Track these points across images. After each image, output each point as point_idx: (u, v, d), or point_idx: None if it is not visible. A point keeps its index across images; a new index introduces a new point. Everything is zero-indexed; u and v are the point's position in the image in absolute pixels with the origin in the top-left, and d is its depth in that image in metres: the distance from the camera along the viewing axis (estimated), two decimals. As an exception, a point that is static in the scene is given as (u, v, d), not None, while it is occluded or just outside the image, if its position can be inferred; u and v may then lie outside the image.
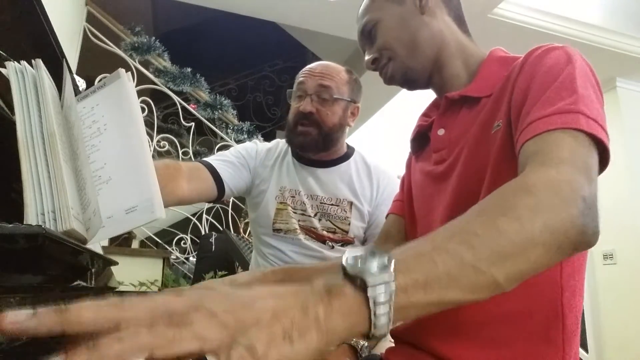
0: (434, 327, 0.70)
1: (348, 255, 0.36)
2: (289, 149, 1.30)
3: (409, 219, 0.88)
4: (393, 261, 0.36)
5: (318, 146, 1.21)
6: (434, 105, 0.89)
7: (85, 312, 0.27)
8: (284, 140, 1.34)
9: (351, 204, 1.23)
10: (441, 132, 0.80)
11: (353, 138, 4.14)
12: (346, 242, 1.23)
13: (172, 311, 0.29)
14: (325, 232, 1.23)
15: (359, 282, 0.34)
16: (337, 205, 1.23)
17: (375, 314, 0.34)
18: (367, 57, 0.84)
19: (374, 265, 0.35)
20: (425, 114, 0.89)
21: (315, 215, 1.23)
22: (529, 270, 0.42)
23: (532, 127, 0.55)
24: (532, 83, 0.62)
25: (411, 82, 0.83)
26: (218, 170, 1.17)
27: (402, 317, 0.37)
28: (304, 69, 1.25)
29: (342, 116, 1.22)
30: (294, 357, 0.31)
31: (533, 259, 0.41)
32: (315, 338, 0.32)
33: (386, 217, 0.97)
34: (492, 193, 0.46)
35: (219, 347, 0.28)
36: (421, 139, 0.87)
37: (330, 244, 1.23)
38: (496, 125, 0.68)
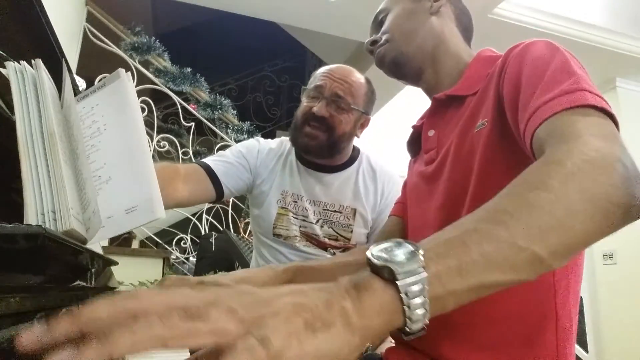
0: (430, 330, 0.70)
1: (372, 247, 0.34)
2: (293, 150, 1.26)
3: (406, 221, 0.88)
4: (421, 249, 0.34)
5: (323, 152, 1.18)
6: (427, 110, 0.90)
7: (99, 310, 0.27)
8: (288, 139, 1.30)
9: (355, 211, 1.21)
10: (431, 132, 0.81)
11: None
12: (347, 249, 1.21)
13: (190, 305, 0.28)
14: (327, 240, 1.20)
15: (387, 274, 0.32)
16: (340, 212, 1.21)
17: (409, 306, 0.32)
18: (369, 39, 0.88)
19: (401, 253, 0.33)
20: (420, 118, 0.90)
21: (317, 221, 1.20)
22: (576, 242, 0.38)
23: (538, 113, 0.52)
24: (522, 74, 0.61)
25: (399, 67, 0.85)
26: (216, 172, 1.15)
27: (441, 307, 0.34)
28: (324, 70, 1.20)
29: (353, 126, 1.19)
30: (319, 348, 0.29)
31: (577, 230, 0.37)
32: (342, 332, 0.30)
33: (388, 217, 0.96)
34: (518, 175, 0.42)
35: (234, 341, 0.27)
36: (416, 142, 0.89)
37: (331, 251, 1.21)
38: (480, 124, 0.68)
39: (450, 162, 0.73)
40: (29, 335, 0.25)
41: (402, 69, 0.85)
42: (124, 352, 0.25)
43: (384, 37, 0.85)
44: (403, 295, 0.32)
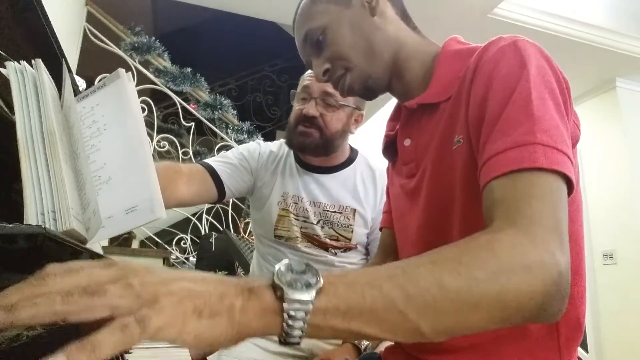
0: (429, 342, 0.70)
1: (283, 264, 0.38)
2: (292, 152, 1.27)
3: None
4: (320, 283, 0.37)
5: (318, 150, 1.18)
6: (397, 110, 0.83)
7: (8, 299, 0.29)
8: None
9: (354, 211, 1.21)
10: (407, 142, 0.75)
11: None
12: (349, 249, 1.22)
13: (93, 282, 0.31)
14: (327, 240, 1.20)
15: (279, 293, 0.36)
16: (341, 213, 1.21)
17: (287, 324, 0.35)
18: (317, 69, 0.76)
19: (301, 281, 0.36)
20: (391, 119, 0.85)
21: (318, 222, 1.21)
22: (462, 330, 0.40)
23: (491, 164, 0.52)
24: (487, 97, 0.57)
25: (372, 91, 0.76)
26: (218, 172, 1.16)
27: (316, 334, 0.37)
28: (309, 72, 1.20)
29: (346, 123, 1.19)
30: (200, 332, 0.32)
31: (468, 322, 0.39)
32: (225, 324, 0.34)
33: (380, 230, 0.95)
34: (454, 243, 0.44)
35: (128, 314, 0.30)
36: (391, 148, 0.83)
37: (332, 251, 1.21)
38: (457, 141, 0.64)
39: (428, 179, 0.69)
40: None
41: (375, 92, 0.77)
42: (26, 321, 0.28)
43: (339, 65, 0.73)
44: (285, 315, 0.35)
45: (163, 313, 0.31)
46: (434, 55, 0.74)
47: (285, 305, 0.35)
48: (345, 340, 0.36)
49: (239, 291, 0.35)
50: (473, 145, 0.60)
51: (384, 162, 1.30)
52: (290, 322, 0.35)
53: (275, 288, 0.36)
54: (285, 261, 0.38)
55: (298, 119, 1.17)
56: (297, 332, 0.36)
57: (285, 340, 0.36)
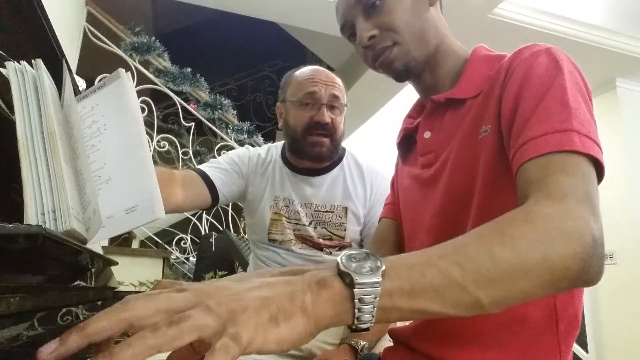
0: (430, 332, 0.71)
1: (344, 254, 0.40)
2: (280, 156, 1.27)
3: (400, 223, 0.87)
4: (384, 266, 0.39)
5: (332, 156, 1.20)
6: (418, 106, 0.86)
7: (99, 322, 0.31)
8: (274, 146, 1.32)
9: (346, 209, 1.22)
10: (427, 134, 0.78)
11: (352, 139, 4.14)
12: (343, 247, 1.23)
13: (173, 309, 0.33)
14: (321, 240, 1.21)
15: (348, 280, 0.38)
16: (332, 212, 1.22)
17: (359, 309, 0.37)
18: (362, 32, 0.74)
19: (366, 266, 0.39)
20: (409, 116, 0.87)
21: (310, 223, 1.22)
22: (516, 298, 0.43)
23: (527, 147, 0.55)
24: (522, 91, 0.61)
25: (407, 73, 0.77)
26: (211, 178, 1.17)
27: (385, 317, 0.39)
28: (308, 77, 1.19)
29: (344, 123, 1.22)
30: (280, 337, 0.34)
31: (521, 289, 0.42)
32: (301, 322, 0.36)
33: (379, 221, 0.96)
34: (493, 220, 0.46)
35: (214, 334, 0.32)
36: (407, 142, 0.85)
37: (327, 250, 1.22)
38: (483, 130, 0.67)
39: (450, 168, 0.71)
40: (47, 349, 0.30)
41: (408, 75, 0.77)
42: None
43: (389, 37, 0.73)
44: (356, 300, 0.37)
45: (247, 327, 0.33)
46: (465, 58, 0.78)
47: (355, 290, 0.37)
48: (411, 318, 0.42)
49: (307, 286, 0.37)
50: (504, 136, 0.63)
51: (373, 159, 1.31)
52: (361, 306, 0.37)
53: (342, 276, 0.38)
54: (346, 252, 0.40)
55: (308, 127, 1.16)
56: (367, 317, 0.38)
57: (356, 325, 0.38)
